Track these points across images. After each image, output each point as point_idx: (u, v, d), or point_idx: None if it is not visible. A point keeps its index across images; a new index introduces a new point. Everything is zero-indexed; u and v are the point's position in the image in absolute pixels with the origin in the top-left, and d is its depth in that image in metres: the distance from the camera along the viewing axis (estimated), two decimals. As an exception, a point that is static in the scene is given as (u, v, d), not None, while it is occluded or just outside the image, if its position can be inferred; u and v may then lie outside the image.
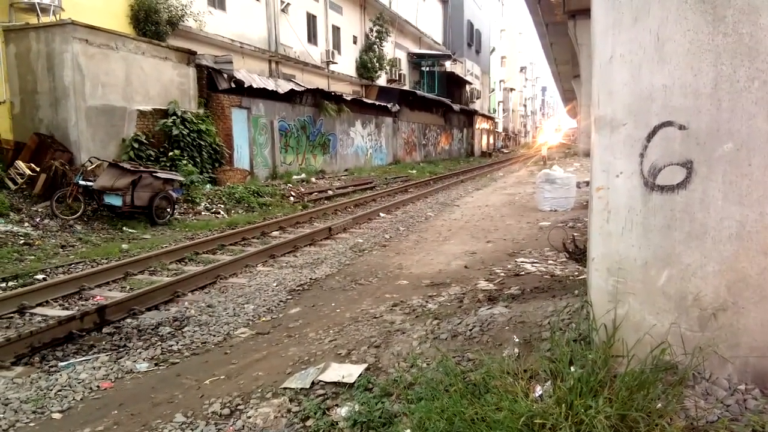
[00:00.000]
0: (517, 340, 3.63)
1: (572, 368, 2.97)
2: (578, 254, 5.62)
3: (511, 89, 74.52)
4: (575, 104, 43.78)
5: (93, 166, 11.46)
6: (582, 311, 3.64)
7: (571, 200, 11.73)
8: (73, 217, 10.66)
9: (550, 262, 6.86)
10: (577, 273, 5.85)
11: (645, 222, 3.04)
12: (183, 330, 5.44)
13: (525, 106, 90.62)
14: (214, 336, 5.27)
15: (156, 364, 4.63)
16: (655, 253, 3.02)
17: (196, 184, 13.72)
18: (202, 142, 15.02)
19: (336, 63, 26.80)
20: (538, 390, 2.91)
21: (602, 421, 2.45)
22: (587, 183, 14.15)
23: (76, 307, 6.23)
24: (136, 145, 13.36)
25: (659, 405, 2.66)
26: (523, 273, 6.34)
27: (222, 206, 13.65)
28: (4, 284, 7.07)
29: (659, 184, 2.98)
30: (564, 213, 11.23)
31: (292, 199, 15.72)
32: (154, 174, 11.27)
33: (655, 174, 3.00)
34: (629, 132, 3.08)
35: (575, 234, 7.21)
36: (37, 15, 12.44)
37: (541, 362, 3.11)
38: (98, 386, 4.21)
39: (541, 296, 4.74)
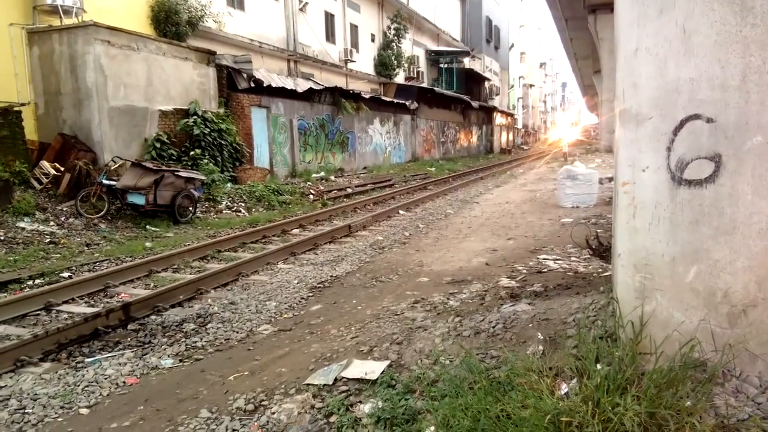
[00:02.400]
0: (541, 337, 3.60)
1: (599, 366, 2.94)
2: (602, 251, 5.56)
3: (531, 85, 73.92)
4: (596, 100, 43.27)
5: (116, 165, 11.62)
6: (608, 308, 3.60)
7: (594, 196, 11.59)
8: (98, 215, 10.83)
9: (573, 259, 6.79)
10: (601, 270, 5.78)
11: (672, 217, 2.99)
12: (206, 327, 5.50)
13: (545, 102, 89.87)
14: (237, 333, 5.31)
15: (180, 360, 4.68)
16: (682, 248, 2.97)
17: (217, 182, 13.84)
18: (223, 142, 15.14)
19: (354, 61, 26.82)
20: (564, 387, 2.88)
21: (631, 419, 2.42)
22: (610, 179, 13.98)
23: (102, 304, 6.33)
24: (158, 145, 13.52)
25: (688, 403, 2.61)
26: (545, 270, 6.29)
27: (243, 204, 13.76)
28: (30, 282, 7.20)
29: (686, 178, 2.93)
30: (586, 209, 11.11)
31: (311, 197, 15.77)
32: (176, 173, 11.40)
33: (683, 168, 2.95)
34: (655, 125, 3.03)
35: (599, 230, 7.13)
36: (60, 17, 12.62)
37: (567, 360, 3.08)
38: (124, 382, 4.27)
39: (564, 293, 4.69)
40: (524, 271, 6.36)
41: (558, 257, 6.99)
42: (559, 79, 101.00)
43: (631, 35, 3.13)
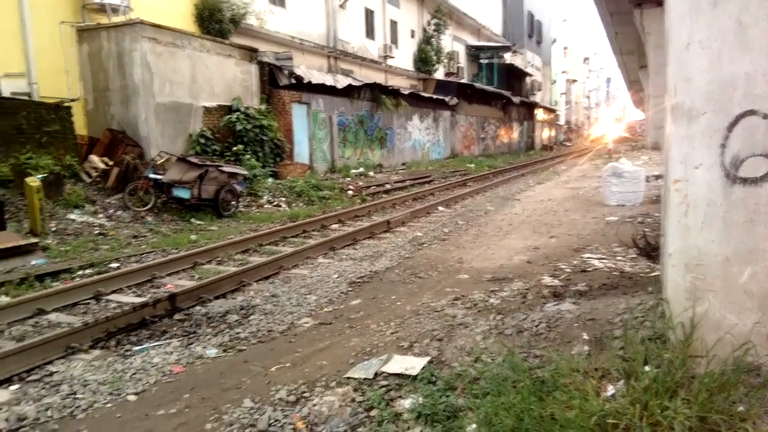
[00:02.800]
0: (586, 337, 3.53)
1: (647, 368, 2.87)
2: (649, 250, 5.42)
3: (574, 80, 72.45)
4: (642, 95, 42.11)
5: (162, 160, 11.92)
6: (657, 309, 3.51)
7: (640, 194, 11.29)
8: (144, 208, 11.14)
9: (618, 258, 6.63)
10: (648, 270, 5.63)
11: (726, 216, 2.90)
12: (249, 318, 5.59)
13: (588, 97, 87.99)
14: (279, 325, 5.38)
15: (224, 351, 4.78)
16: (736, 248, 2.88)
17: (259, 177, 14.05)
18: (264, 137, 15.36)
19: (393, 57, 26.80)
20: (611, 389, 2.83)
21: (681, 423, 2.36)
22: (657, 176, 13.61)
23: (149, 295, 6.51)
24: (202, 140, 13.81)
25: (741, 408, 2.53)
26: (590, 269, 6.16)
27: (283, 199, 13.93)
28: (81, 272, 7.45)
29: (741, 176, 2.84)
30: (632, 208, 10.82)
31: (350, 192, 15.85)
32: (219, 168, 11.62)
33: (737, 165, 2.85)
34: (709, 121, 2.94)
35: (646, 230, 6.95)
36: (108, 15, 13.01)
37: (614, 361, 3.01)
38: (170, 370, 4.38)
39: (610, 293, 4.59)
40: (568, 270, 6.25)
41: (603, 256, 6.84)
42: (604, 74, 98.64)
43: (683, 28, 3.03)
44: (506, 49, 40.36)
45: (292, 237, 9.87)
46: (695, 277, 3.02)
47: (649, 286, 4.36)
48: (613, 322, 3.67)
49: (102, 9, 12.95)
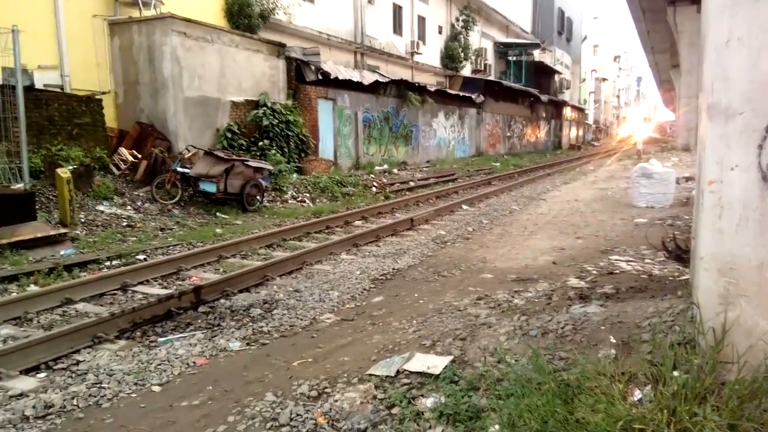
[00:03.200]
0: (613, 340, 3.46)
1: (676, 373, 2.80)
2: (679, 253, 5.29)
3: (604, 79, 71.38)
4: (673, 95, 41.24)
5: (190, 154, 12.07)
6: (687, 313, 3.42)
7: (670, 196, 11.06)
8: (171, 201, 11.29)
9: (647, 260, 6.50)
10: (677, 273, 5.51)
11: (762, 219, 2.81)
12: (272, 312, 5.62)
13: (618, 97, 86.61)
14: (301, 320, 5.40)
15: (247, 344, 4.81)
16: (773, 253, 2.78)
17: (284, 173, 14.13)
18: (290, 133, 15.44)
19: (420, 53, 26.70)
20: (638, 394, 2.76)
21: (711, 430, 2.29)
22: (688, 178, 13.33)
23: (174, 287, 6.59)
24: (229, 135, 13.94)
25: (774, 417, 2.45)
26: (617, 271, 6.05)
27: (307, 195, 13.99)
28: (108, 263, 7.57)
29: (779, 178, 2.74)
30: (661, 210, 10.61)
31: (374, 189, 15.86)
32: (245, 162, 11.72)
33: (775, 168, 2.75)
34: (746, 121, 2.84)
35: (676, 232, 6.80)
36: (140, 9, 13.19)
37: (641, 365, 2.94)
38: (194, 362, 4.42)
39: (638, 296, 4.50)
40: (594, 272, 6.15)
41: (631, 259, 6.71)
42: (634, 73, 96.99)
43: (722, 24, 2.93)
44: (535, 46, 39.92)
45: (316, 233, 9.90)
46: (728, 282, 2.93)
47: (678, 290, 4.26)
48: (641, 326, 3.59)
49: (134, 2, 13.14)
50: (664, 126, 63.10)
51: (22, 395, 3.89)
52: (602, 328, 3.73)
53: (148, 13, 13.26)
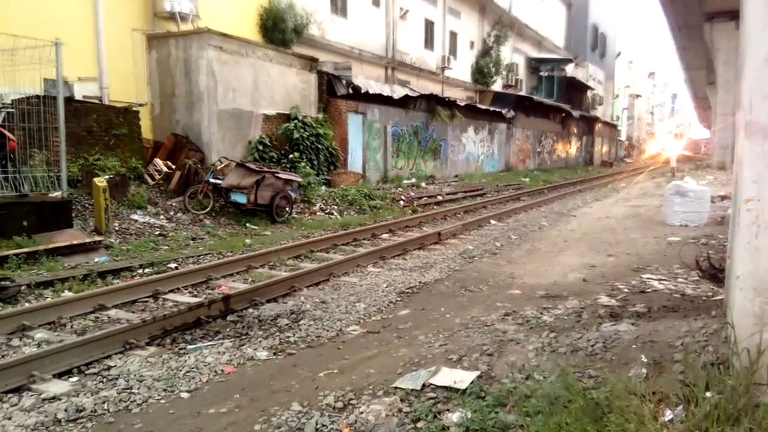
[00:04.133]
0: (645, 360, 3.39)
1: (708, 394, 2.74)
2: (714, 273, 5.17)
3: (637, 96, 70.37)
4: (708, 113, 40.39)
5: (222, 165, 12.27)
6: (720, 333, 3.33)
7: (705, 215, 10.81)
8: (203, 212, 11.48)
9: (680, 280, 6.36)
10: (710, 293, 5.37)
11: (801, 239, 2.73)
12: (299, 323, 5.65)
13: (652, 113, 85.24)
14: (328, 331, 5.42)
15: (274, 354, 4.84)
16: (811, 274, 2.71)
17: (313, 185, 14.26)
18: (320, 146, 15.59)
19: (451, 69, 26.76)
20: (669, 414, 2.70)
21: (746, 455, 2.22)
22: (723, 197, 13.02)
23: (204, 295, 6.68)
24: (260, 147, 14.15)
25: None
26: (649, 290, 5.93)
27: (335, 207, 14.08)
28: (140, 270, 7.72)
29: (819, 198, 2.67)
30: (696, 228, 10.38)
31: (401, 203, 15.87)
32: (276, 174, 11.87)
33: (815, 187, 2.69)
34: (786, 139, 2.78)
35: (710, 251, 6.64)
36: (177, 23, 13.54)
37: (673, 385, 2.88)
38: (222, 370, 4.47)
39: (671, 316, 4.40)
40: (625, 290, 6.04)
41: (663, 277, 6.57)
42: (669, 89, 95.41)
43: (762, 41, 2.89)
44: (568, 61, 39.66)
45: (343, 245, 9.94)
46: (764, 302, 2.86)
47: (712, 310, 4.16)
48: (674, 346, 3.51)
49: (172, 17, 13.49)
50: (699, 143, 61.75)
51: (54, 398, 3.97)
52: (633, 347, 3.66)
53: (185, 27, 13.60)
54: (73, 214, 9.26)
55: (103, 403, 3.89)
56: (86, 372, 4.49)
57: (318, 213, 13.48)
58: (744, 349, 2.89)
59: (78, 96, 11.53)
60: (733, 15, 17.71)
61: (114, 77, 12.56)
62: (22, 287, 6.46)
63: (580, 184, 25.66)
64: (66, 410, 3.76)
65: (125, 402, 3.93)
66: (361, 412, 3.42)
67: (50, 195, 9.20)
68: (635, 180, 26.17)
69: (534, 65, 37.65)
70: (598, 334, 4.00)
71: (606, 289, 6.24)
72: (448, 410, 3.33)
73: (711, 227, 10.38)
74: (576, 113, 38.35)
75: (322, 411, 3.53)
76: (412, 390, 3.65)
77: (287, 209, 12.25)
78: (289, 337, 5.24)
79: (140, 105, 12.99)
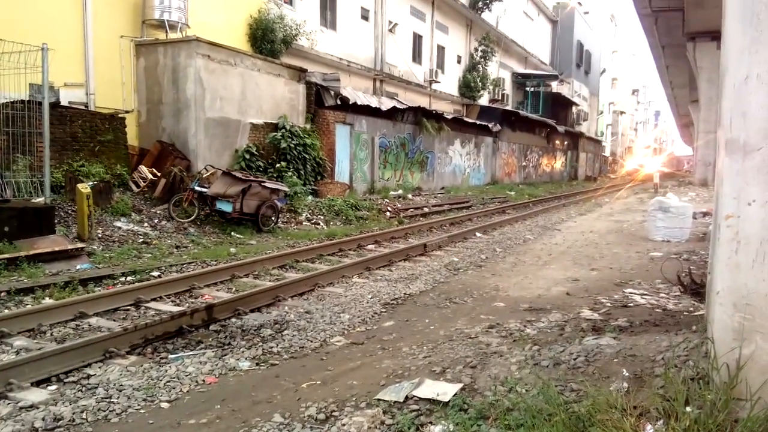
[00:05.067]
0: (626, 374, 3.41)
1: (688, 408, 2.77)
2: (695, 288, 5.23)
3: (621, 112, 71.44)
4: (691, 130, 41.03)
5: (208, 173, 12.23)
6: (701, 348, 3.38)
7: (686, 231, 10.95)
8: (188, 220, 11.40)
9: (662, 295, 6.42)
10: (691, 308, 5.44)
11: (779, 255, 2.79)
12: (283, 333, 5.62)
13: (635, 130, 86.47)
14: (311, 342, 5.39)
15: (257, 364, 4.80)
16: (789, 290, 2.76)
17: (299, 195, 14.24)
18: (307, 156, 15.59)
19: (438, 82, 26.97)
20: (649, 429, 2.72)
21: (725, 470, 2.25)
22: (705, 213, 13.20)
23: (187, 304, 6.62)
24: (247, 156, 14.11)
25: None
26: (631, 304, 5.98)
27: (321, 217, 14.06)
28: (123, 278, 7.64)
29: (798, 215, 2.73)
30: (677, 244, 10.50)
31: (388, 214, 15.90)
32: (262, 184, 11.84)
33: (793, 204, 2.75)
34: (764, 157, 2.86)
35: (691, 267, 6.73)
36: (166, 31, 13.52)
37: (654, 399, 2.91)
38: (203, 380, 4.42)
39: (652, 330, 4.44)
40: (608, 304, 6.09)
41: (645, 292, 6.64)
42: (653, 107, 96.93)
43: (742, 62, 2.96)
44: (553, 77, 40.17)
45: (329, 255, 9.92)
46: (743, 317, 2.90)
47: (693, 325, 4.21)
48: (655, 360, 3.54)
49: (161, 25, 13.47)
50: (681, 159, 62.62)
51: (32, 407, 3.91)
52: (615, 360, 3.69)
53: (174, 35, 13.58)
54: (56, 221, 9.16)
55: (82, 412, 3.83)
56: (65, 380, 4.43)
57: (304, 223, 13.45)
58: (723, 364, 2.92)
59: (64, 101, 11.44)
60: (714, 35, 18.12)
61: (101, 83, 12.49)
62: (2, 294, 6.36)
63: (565, 198, 25.89)
64: (44, 419, 3.70)
65: (104, 411, 3.87)
66: (344, 424, 3.40)
67: (33, 200, 9.11)
68: (619, 195, 26.46)
69: (520, 80, 38.09)
70: (581, 348, 4.03)
71: (589, 302, 6.29)
72: (430, 423, 3.33)
73: (693, 243, 10.52)
74: (561, 128, 38.79)
75: (304, 423, 3.51)
76: (395, 402, 3.64)
77: (273, 219, 12.21)
78: (272, 347, 5.21)
79: (126, 112, 12.93)
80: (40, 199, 9.23)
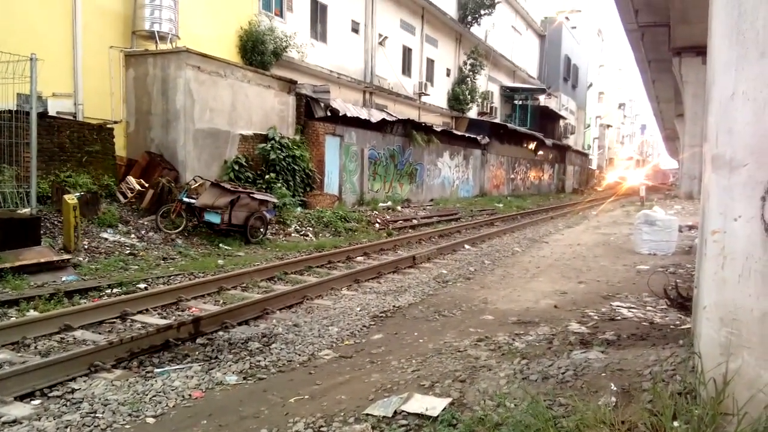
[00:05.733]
0: (614, 388, 3.42)
1: (676, 423, 2.78)
2: (681, 302, 5.27)
3: (608, 126, 72.20)
4: (677, 144, 41.48)
5: (196, 184, 12.16)
6: (688, 363, 3.39)
7: (672, 244, 11.04)
8: (176, 231, 11.32)
9: (648, 308, 6.46)
10: (678, 322, 5.47)
11: (765, 270, 2.82)
12: (270, 347, 5.58)
13: (622, 143, 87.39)
14: (300, 355, 5.35)
15: (244, 378, 4.76)
16: (775, 305, 2.78)
17: (288, 206, 14.20)
18: (296, 167, 15.57)
19: (428, 95, 27.12)
20: (638, 444, 2.73)
21: (712, 486, 2.25)
22: (691, 227, 13.32)
23: (174, 317, 6.56)
24: (236, 167, 14.07)
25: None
26: (618, 318, 6.01)
27: (311, 229, 14.03)
28: (109, 290, 7.56)
29: (782, 231, 2.76)
30: (664, 257, 10.59)
31: (377, 226, 15.89)
32: (251, 195, 11.79)
33: (778, 220, 2.78)
34: (750, 173, 2.88)
35: (678, 280, 6.78)
36: (156, 42, 13.49)
37: (641, 414, 2.91)
38: (190, 395, 4.37)
39: (640, 344, 4.46)
40: (596, 318, 6.11)
41: (632, 305, 6.68)
42: (639, 120, 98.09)
43: (728, 78, 3.01)
44: (541, 91, 40.56)
45: (318, 267, 9.89)
46: (730, 332, 2.92)
47: (680, 339, 4.23)
48: (642, 374, 3.56)
49: (151, 36, 13.43)
50: (667, 173, 63.15)
51: (15, 422, 3.84)
52: (603, 375, 3.70)
53: (163, 46, 13.56)
54: (42, 232, 9.04)
55: (66, 427, 3.77)
56: (49, 395, 4.36)
57: (293, 234, 13.40)
58: (711, 379, 2.94)
59: (52, 111, 11.35)
60: (699, 51, 18.41)
61: (89, 94, 12.43)
62: (-15, 306, 6.27)
63: (552, 210, 26.04)
64: (26, 435, 3.64)
65: (89, 427, 3.81)
66: (332, 439, 3.38)
67: (19, 211, 9.00)
68: (606, 208, 26.66)
69: (508, 94, 38.40)
70: (569, 362, 4.03)
71: (576, 315, 6.31)
72: (419, 438, 3.31)
73: (679, 256, 10.60)
74: (549, 141, 39.09)
75: (292, 438, 3.48)
76: (384, 417, 3.62)
77: (262, 230, 12.16)
78: (259, 361, 5.17)
79: (115, 122, 12.85)
80: (26, 210, 9.13)
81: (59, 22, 11.89)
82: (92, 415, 3.98)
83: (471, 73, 30.90)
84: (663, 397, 3.01)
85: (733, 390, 2.85)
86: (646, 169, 49.54)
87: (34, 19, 11.39)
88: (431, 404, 3.70)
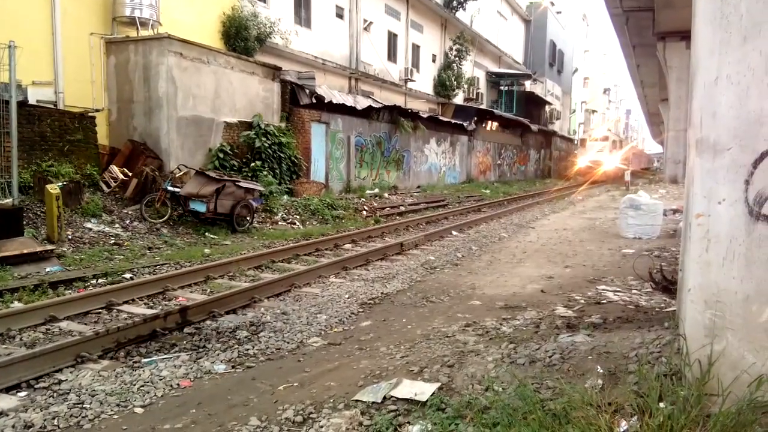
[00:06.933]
0: (601, 370, 3.46)
1: (662, 404, 2.82)
2: (666, 285, 5.33)
3: (593, 111, 72.49)
4: (661, 128, 41.75)
5: (181, 173, 12.05)
6: (673, 345, 3.44)
7: (657, 228, 11.17)
8: (160, 220, 11.22)
9: (634, 291, 6.54)
10: (663, 305, 5.54)
11: (748, 253, 2.85)
12: (259, 335, 5.57)
13: (610, 130, 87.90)
14: (288, 343, 5.35)
15: (233, 367, 4.75)
16: (758, 286, 2.83)
17: (275, 194, 14.13)
18: (282, 155, 15.48)
19: (414, 81, 27.03)
20: (624, 425, 2.76)
21: (697, 465, 2.29)
22: (675, 211, 13.47)
23: (160, 307, 6.52)
24: (221, 155, 13.95)
25: (759, 450, 2.46)
26: (604, 301, 6.08)
27: (297, 217, 13.98)
28: (94, 281, 7.49)
29: (765, 213, 2.79)
30: (649, 241, 10.71)
31: (364, 213, 15.88)
32: (236, 183, 11.71)
33: (762, 203, 2.81)
34: (734, 157, 2.91)
35: (662, 264, 6.86)
36: (137, 29, 13.28)
37: (628, 396, 2.95)
38: (178, 384, 4.36)
39: (625, 327, 4.51)
40: (582, 301, 6.17)
41: (618, 289, 6.75)
42: (624, 105, 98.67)
43: (712, 63, 3.02)
44: (527, 77, 40.57)
45: (305, 255, 9.87)
46: (714, 314, 2.96)
47: (665, 321, 4.29)
48: (628, 357, 3.60)
49: (131, 22, 13.22)
50: (651, 157, 63.51)
51: (1, 414, 3.81)
52: (589, 357, 3.74)
53: (145, 33, 13.35)
54: (25, 222, 8.92)
55: (53, 418, 3.75)
56: (36, 386, 4.33)
57: (280, 223, 13.35)
58: (695, 361, 2.98)
59: (32, 100, 11.16)
60: (684, 35, 18.52)
61: (70, 82, 12.22)
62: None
63: (539, 196, 26.17)
64: (14, 426, 3.61)
65: (76, 418, 3.79)
66: (321, 426, 3.39)
67: (0, 202, 8.86)
68: (591, 193, 26.85)
69: (494, 79, 38.38)
70: (556, 345, 4.07)
71: (563, 300, 6.37)
72: (408, 423, 3.33)
73: (664, 240, 10.72)
74: (535, 127, 39.19)
75: (281, 425, 3.48)
76: (373, 403, 3.63)
77: (248, 219, 12.10)
78: (248, 349, 5.16)
79: (97, 110, 12.67)
80: (8, 201, 8.99)
81: (38, 8, 11.65)
82: (80, 405, 3.96)
83: (457, 59, 30.83)
84: (649, 379, 3.05)
85: (718, 371, 2.89)
86: (624, 151, 45.65)
87: (11, 6, 11.16)
88: (420, 389, 3.72)
